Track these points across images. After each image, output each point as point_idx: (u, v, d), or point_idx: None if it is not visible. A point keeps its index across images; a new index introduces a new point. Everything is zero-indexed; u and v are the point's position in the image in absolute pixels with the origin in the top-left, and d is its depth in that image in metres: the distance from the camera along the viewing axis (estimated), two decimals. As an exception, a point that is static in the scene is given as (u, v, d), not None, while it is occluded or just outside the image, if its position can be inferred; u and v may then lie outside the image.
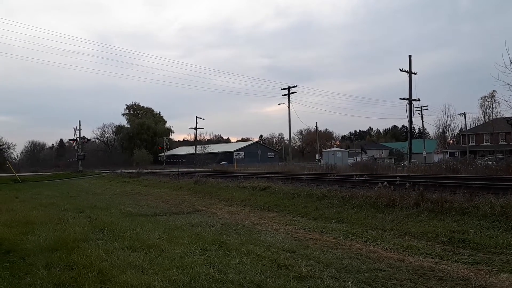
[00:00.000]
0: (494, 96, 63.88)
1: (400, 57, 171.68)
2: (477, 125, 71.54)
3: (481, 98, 71.68)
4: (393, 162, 48.09)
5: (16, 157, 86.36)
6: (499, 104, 65.08)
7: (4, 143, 69.81)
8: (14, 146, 79.21)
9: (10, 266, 5.07)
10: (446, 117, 70.12)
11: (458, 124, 75.44)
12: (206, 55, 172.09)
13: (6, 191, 20.92)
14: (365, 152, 60.87)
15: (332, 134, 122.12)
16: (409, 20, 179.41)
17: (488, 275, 4.71)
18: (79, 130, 52.45)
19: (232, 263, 5.06)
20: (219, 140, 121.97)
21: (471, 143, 65.61)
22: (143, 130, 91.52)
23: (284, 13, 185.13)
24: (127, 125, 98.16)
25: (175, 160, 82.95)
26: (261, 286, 4.16)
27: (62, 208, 11.62)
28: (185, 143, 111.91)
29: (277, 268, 4.86)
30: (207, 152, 74.90)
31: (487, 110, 71.10)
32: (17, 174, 34.47)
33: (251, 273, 4.58)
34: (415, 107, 48.04)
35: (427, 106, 58.14)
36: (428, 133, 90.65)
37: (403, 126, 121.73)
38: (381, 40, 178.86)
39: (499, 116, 62.59)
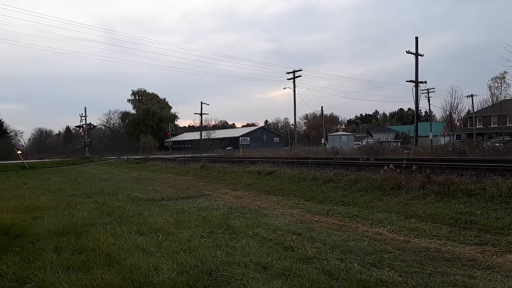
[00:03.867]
0: (504, 77, 62.78)
1: (406, 39, 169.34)
2: (485, 107, 70.68)
3: (491, 79, 70.52)
4: (400, 145, 47.89)
5: (24, 144, 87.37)
6: (508, 85, 63.98)
7: (12, 130, 70.48)
8: (21, 133, 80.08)
9: (20, 250, 5.15)
10: (453, 99, 69.19)
11: (465, 106, 74.38)
12: (209, 40, 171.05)
13: (15, 178, 21.15)
14: (371, 136, 60.63)
15: (338, 118, 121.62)
16: (414, 1, 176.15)
17: (494, 256, 4.71)
18: (85, 116, 52.65)
19: (239, 245, 5.10)
20: (224, 125, 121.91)
21: (478, 125, 64.97)
22: (149, 116, 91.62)
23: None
24: (132, 111, 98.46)
25: (181, 146, 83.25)
26: (267, 267, 4.19)
27: (70, 194, 11.75)
28: (191, 128, 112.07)
29: (283, 250, 4.89)
30: (212, 137, 74.83)
31: (496, 91, 70.08)
32: (25, 161, 34.82)
33: (258, 255, 4.62)
34: (422, 90, 47.48)
35: (433, 88, 57.38)
36: (434, 115, 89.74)
37: (409, 109, 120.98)
38: (387, 22, 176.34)
39: (508, 98, 61.76)
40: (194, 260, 4.40)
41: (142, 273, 4.02)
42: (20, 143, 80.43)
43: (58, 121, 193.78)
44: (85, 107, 52.68)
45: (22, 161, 34.62)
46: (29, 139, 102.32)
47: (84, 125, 52.55)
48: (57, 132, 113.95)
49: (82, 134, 54.06)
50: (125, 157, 40.42)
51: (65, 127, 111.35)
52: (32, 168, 31.26)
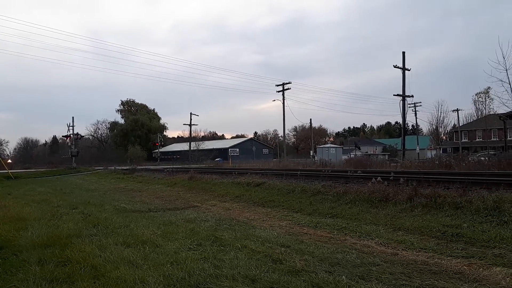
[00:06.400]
0: (488, 92, 64.30)
1: (392, 53, 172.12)
2: (470, 122, 71.96)
3: (476, 94, 72.09)
4: (387, 158, 48.35)
5: (9, 154, 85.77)
6: (492, 100, 65.42)
7: (-4, 139, 69.24)
8: (6, 143, 78.72)
9: (3, 262, 5.02)
10: (439, 113, 70.43)
11: (451, 120, 75.64)
12: (199, 52, 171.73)
13: (-1, 188, 20.73)
14: (359, 148, 61.03)
15: (326, 131, 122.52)
16: (400, 16, 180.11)
17: (481, 269, 4.75)
18: (73, 126, 52.05)
19: (227, 258, 5.05)
20: (213, 136, 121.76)
21: (464, 139, 66.08)
22: (137, 127, 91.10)
23: (276, 9, 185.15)
24: (121, 121, 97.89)
25: (169, 157, 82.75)
26: (255, 280, 4.16)
27: (55, 205, 11.53)
28: (180, 139, 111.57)
29: (272, 263, 4.86)
30: (201, 148, 74.61)
31: (480, 106, 71.54)
32: (10, 171, 34.18)
33: (246, 267, 4.58)
34: (409, 104, 48.23)
35: (420, 102, 58.35)
36: (421, 129, 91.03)
37: (396, 122, 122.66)
38: (374, 36, 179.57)
39: (492, 113, 63.03)
40: (181, 273, 4.35)
41: (128, 285, 3.95)
42: (5, 152, 79.05)
43: (44, 130, 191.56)
44: (72, 117, 52.20)
45: (6, 171, 33.98)
46: (15, 149, 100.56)
47: (71, 135, 51.94)
48: (44, 142, 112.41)
49: (69, 144, 53.38)
50: (113, 167, 39.97)
51: (52, 137, 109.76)
52: (17, 178, 30.67)
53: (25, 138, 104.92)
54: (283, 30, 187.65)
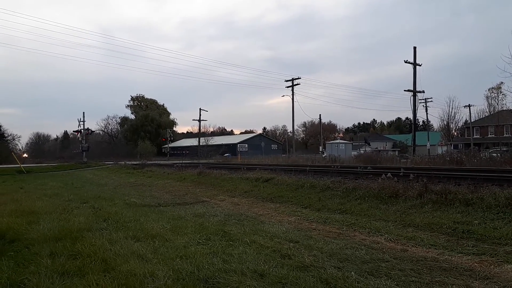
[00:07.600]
0: (500, 87, 63.37)
1: (402, 49, 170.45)
2: (482, 117, 71.02)
3: (488, 90, 71.08)
4: (397, 154, 47.98)
5: (21, 149, 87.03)
6: (505, 96, 64.46)
7: (9, 134, 70.25)
8: (19, 137, 79.83)
9: (15, 255, 5.10)
10: (450, 109, 69.70)
11: (462, 116, 74.97)
12: (208, 48, 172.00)
13: (11, 182, 21.05)
14: (369, 144, 60.63)
15: (336, 126, 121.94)
16: (411, 12, 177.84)
17: (492, 266, 4.70)
18: (83, 121, 52.53)
19: (236, 252, 5.06)
20: (222, 132, 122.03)
21: (476, 135, 65.25)
22: (147, 122, 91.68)
23: (284, 5, 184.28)
24: (131, 117, 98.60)
25: (178, 152, 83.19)
26: (264, 275, 4.16)
27: (67, 199, 11.68)
28: (189, 135, 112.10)
29: (280, 258, 4.87)
30: (210, 144, 74.82)
31: (493, 102, 70.57)
32: (22, 165, 34.68)
33: (254, 262, 4.59)
34: (420, 99, 47.79)
35: (431, 98, 57.63)
36: (432, 125, 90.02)
37: (407, 118, 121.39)
38: (383, 32, 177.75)
39: (505, 108, 62.15)
40: (191, 267, 4.37)
41: (138, 279, 3.99)
42: (17, 147, 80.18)
43: (56, 125, 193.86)
44: (83, 112, 52.62)
45: (19, 165, 34.48)
46: (27, 144, 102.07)
47: (82, 130, 52.46)
48: (55, 137, 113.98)
49: (80, 139, 53.98)
50: (123, 162, 40.30)
51: (63, 132, 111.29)
52: (29, 173, 31.09)
53: (37, 133, 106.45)
54: (291, 26, 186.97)
